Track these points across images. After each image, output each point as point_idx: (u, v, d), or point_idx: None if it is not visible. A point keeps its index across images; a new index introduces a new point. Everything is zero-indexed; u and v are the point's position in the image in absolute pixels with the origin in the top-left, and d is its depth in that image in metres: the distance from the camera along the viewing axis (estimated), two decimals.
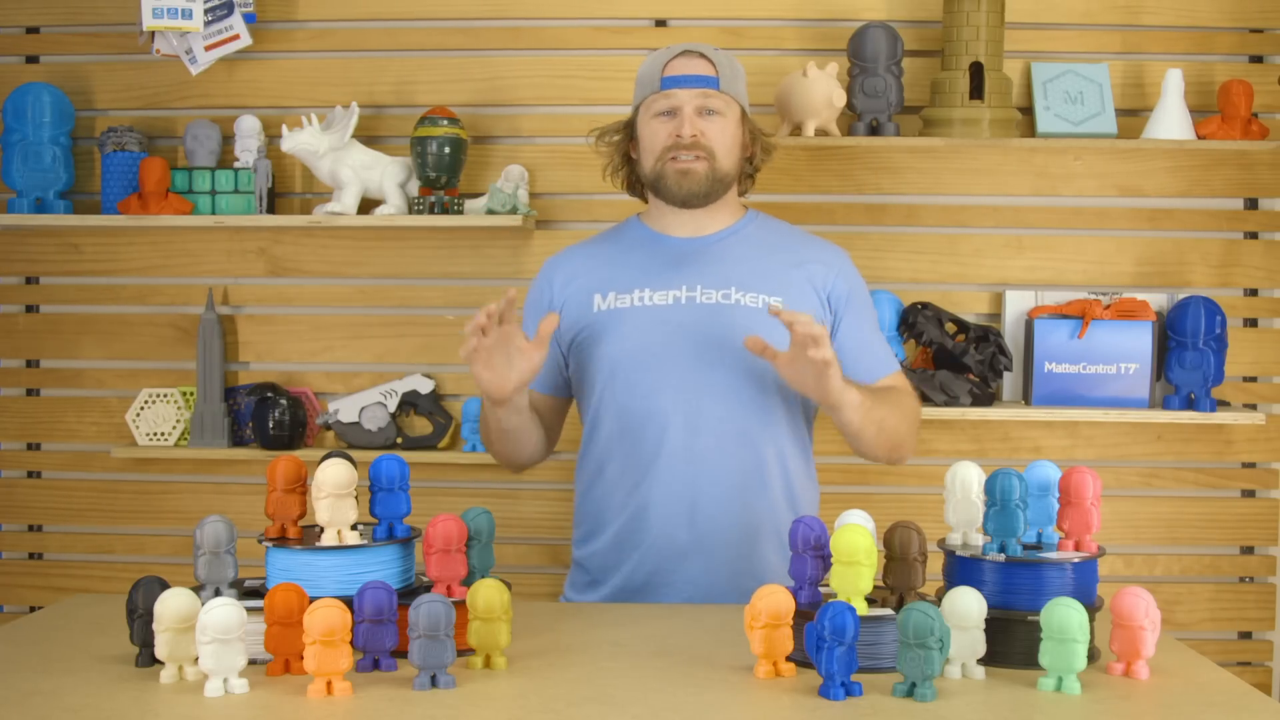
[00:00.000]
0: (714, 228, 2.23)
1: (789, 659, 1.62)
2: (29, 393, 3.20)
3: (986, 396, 2.94)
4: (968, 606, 1.58)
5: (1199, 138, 2.90)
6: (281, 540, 1.74)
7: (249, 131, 3.03)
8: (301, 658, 1.56)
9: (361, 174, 2.95)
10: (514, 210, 2.94)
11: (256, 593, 1.74)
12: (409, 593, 1.73)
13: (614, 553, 2.18)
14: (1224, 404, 2.99)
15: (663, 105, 2.17)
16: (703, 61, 2.17)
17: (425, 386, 3.06)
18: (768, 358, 1.99)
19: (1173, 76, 2.89)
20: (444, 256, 3.10)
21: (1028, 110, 3.01)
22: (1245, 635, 3.11)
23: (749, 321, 2.12)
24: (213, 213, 3.02)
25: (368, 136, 3.06)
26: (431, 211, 2.93)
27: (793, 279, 2.19)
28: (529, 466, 2.31)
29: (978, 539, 1.76)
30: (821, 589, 1.69)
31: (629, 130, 2.26)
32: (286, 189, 3.12)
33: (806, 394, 2.03)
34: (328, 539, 1.71)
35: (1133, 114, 3.03)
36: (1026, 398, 2.98)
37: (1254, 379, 3.08)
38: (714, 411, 2.11)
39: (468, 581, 1.73)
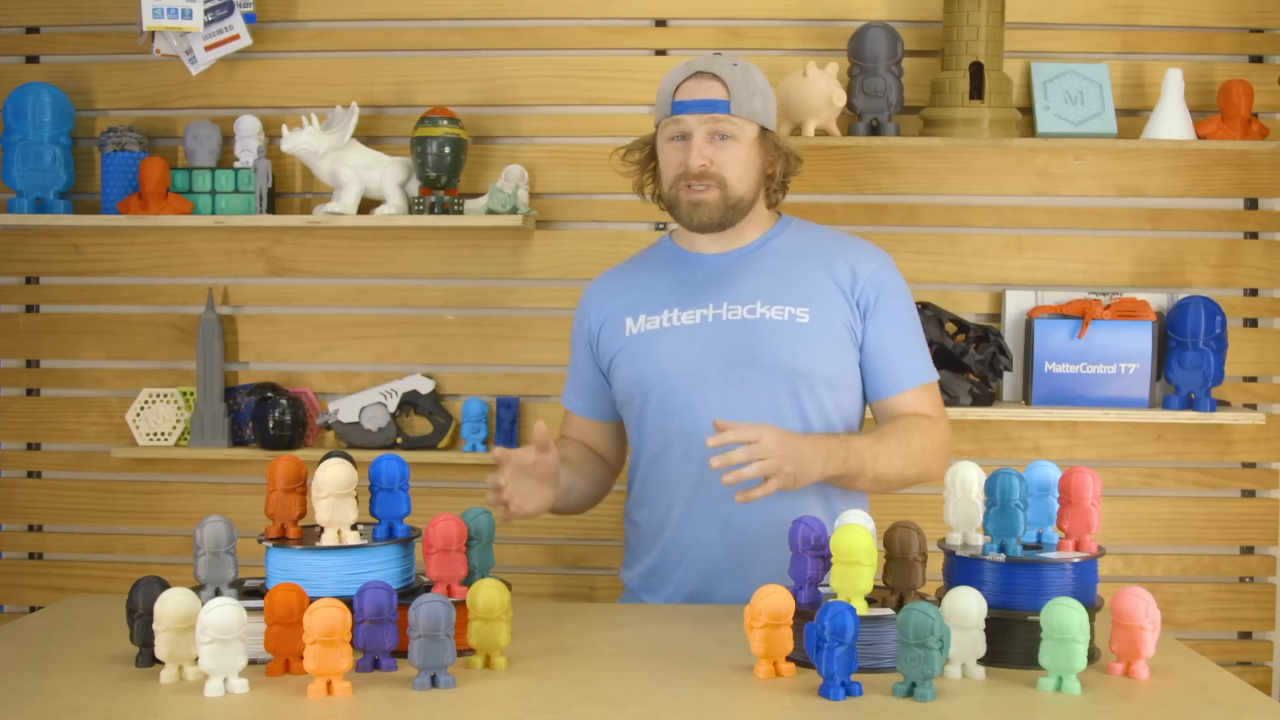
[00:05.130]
0: (743, 241, 2.20)
1: (789, 659, 1.62)
2: (29, 393, 3.20)
3: (986, 396, 2.94)
4: (968, 606, 1.58)
5: (1199, 138, 2.90)
6: (281, 540, 1.74)
7: (249, 131, 3.03)
8: (301, 658, 1.56)
9: (361, 174, 2.95)
10: (514, 210, 2.94)
11: (256, 593, 1.74)
12: (409, 593, 1.73)
13: (656, 575, 2.18)
14: (1224, 404, 2.99)
15: (673, 130, 2.13)
16: (714, 83, 2.10)
17: (425, 386, 3.06)
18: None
19: (1173, 76, 2.89)
20: (444, 256, 3.10)
21: (1028, 110, 3.01)
22: (1245, 635, 3.11)
23: (774, 334, 2.10)
24: (213, 213, 3.02)
25: (368, 136, 3.06)
26: (431, 211, 2.93)
27: (820, 283, 2.15)
28: (602, 499, 2.31)
29: (978, 539, 1.76)
30: (821, 589, 1.69)
31: (652, 147, 2.23)
32: (286, 189, 3.12)
33: None
34: (328, 539, 1.71)
35: (1133, 114, 3.03)
36: (1026, 398, 2.98)
37: (1254, 379, 3.07)
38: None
39: (468, 581, 1.73)
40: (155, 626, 1.58)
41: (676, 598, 2.15)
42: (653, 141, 2.23)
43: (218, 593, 1.69)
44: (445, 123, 2.93)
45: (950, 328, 2.94)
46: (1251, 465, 3.08)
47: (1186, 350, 2.90)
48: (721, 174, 2.11)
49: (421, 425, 3.10)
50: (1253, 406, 3.04)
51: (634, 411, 2.18)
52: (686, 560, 2.13)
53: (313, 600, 1.56)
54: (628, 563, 2.26)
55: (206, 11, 2.96)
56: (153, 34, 3.00)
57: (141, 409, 3.08)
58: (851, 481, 2.08)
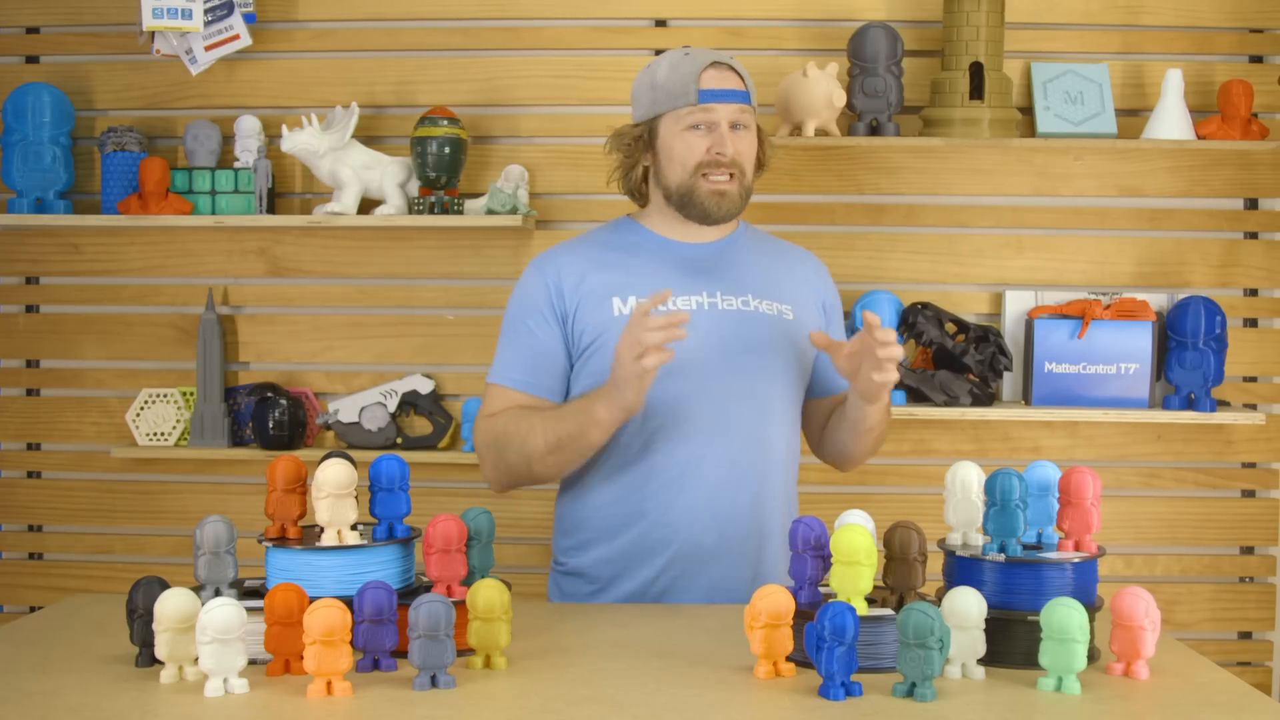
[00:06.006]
0: (715, 235, 2.22)
1: (789, 659, 1.62)
2: (29, 393, 3.20)
3: (986, 396, 2.94)
4: (968, 606, 1.58)
5: (1199, 138, 2.90)
6: (281, 540, 1.73)
7: (249, 131, 3.04)
8: (301, 658, 1.56)
9: (361, 174, 2.95)
10: (514, 210, 2.94)
11: (256, 593, 1.74)
12: (409, 593, 1.73)
13: (629, 559, 2.14)
14: (1224, 404, 3.00)
15: (700, 119, 2.12)
16: (733, 75, 2.14)
17: (425, 386, 3.07)
18: (830, 351, 2.04)
19: (1173, 76, 2.89)
20: (444, 256, 3.10)
21: (1028, 110, 3.01)
22: (1245, 635, 3.12)
23: (769, 327, 2.14)
24: (213, 213, 3.02)
25: (368, 136, 3.06)
26: (431, 211, 2.93)
27: (797, 286, 2.22)
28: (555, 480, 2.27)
29: (978, 539, 1.76)
30: (821, 589, 1.69)
31: (650, 137, 2.19)
32: (286, 189, 3.12)
33: (860, 388, 2.06)
34: (328, 539, 1.71)
35: (1133, 114, 3.03)
36: (1026, 398, 2.98)
37: (1254, 379, 3.08)
38: (741, 417, 2.11)
39: (468, 581, 1.73)
40: (155, 626, 1.58)
41: (658, 582, 2.12)
42: (647, 130, 2.18)
43: (218, 593, 1.69)
44: (445, 123, 2.93)
45: (950, 328, 2.94)
46: (1251, 465, 3.08)
47: (1186, 350, 2.90)
48: (742, 163, 2.15)
49: (421, 425, 3.11)
50: (1253, 406, 3.04)
51: None
52: (674, 545, 2.10)
53: (313, 600, 1.56)
54: (580, 546, 2.21)
55: (206, 11, 2.96)
56: (153, 34, 3.00)
57: (141, 409, 3.08)
58: (881, 421, 2.15)
